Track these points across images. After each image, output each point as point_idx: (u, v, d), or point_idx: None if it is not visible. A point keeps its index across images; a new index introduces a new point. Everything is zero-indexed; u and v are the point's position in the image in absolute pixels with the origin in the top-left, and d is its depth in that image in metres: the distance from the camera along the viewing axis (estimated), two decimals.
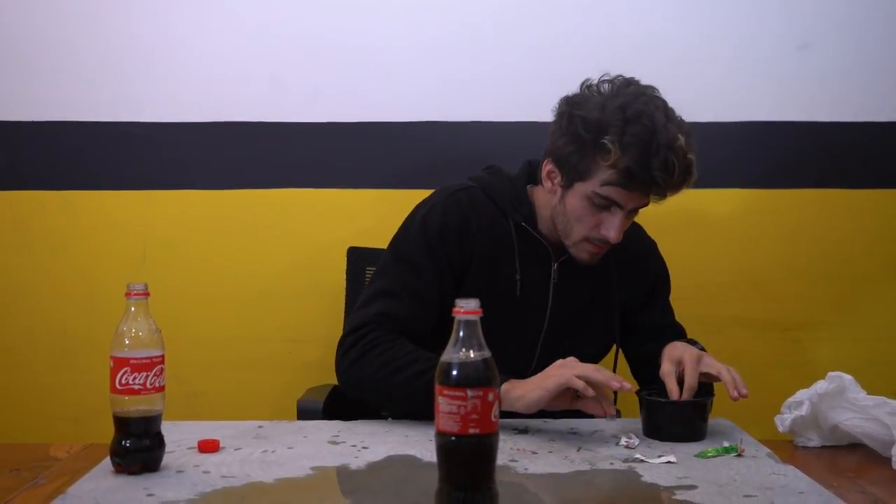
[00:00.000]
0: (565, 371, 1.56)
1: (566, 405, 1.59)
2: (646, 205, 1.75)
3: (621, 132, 1.66)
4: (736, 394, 1.61)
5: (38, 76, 2.37)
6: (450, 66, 2.37)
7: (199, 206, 2.40)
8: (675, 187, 1.70)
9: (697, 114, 2.29)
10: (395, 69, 2.38)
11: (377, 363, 1.68)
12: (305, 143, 2.39)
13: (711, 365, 1.66)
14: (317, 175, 2.39)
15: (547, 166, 1.79)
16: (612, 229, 1.72)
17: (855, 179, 2.42)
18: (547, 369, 1.60)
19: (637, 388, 1.71)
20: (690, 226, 2.38)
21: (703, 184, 2.34)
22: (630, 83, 1.74)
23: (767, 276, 2.42)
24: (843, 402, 1.58)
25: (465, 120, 2.38)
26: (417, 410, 1.62)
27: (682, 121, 1.72)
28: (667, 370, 1.66)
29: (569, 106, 1.75)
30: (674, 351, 1.69)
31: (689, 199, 2.37)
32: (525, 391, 1.58)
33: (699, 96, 2.34)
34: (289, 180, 2.40)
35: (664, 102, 1.72)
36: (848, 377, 1.59)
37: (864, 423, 1.55)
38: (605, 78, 1.75)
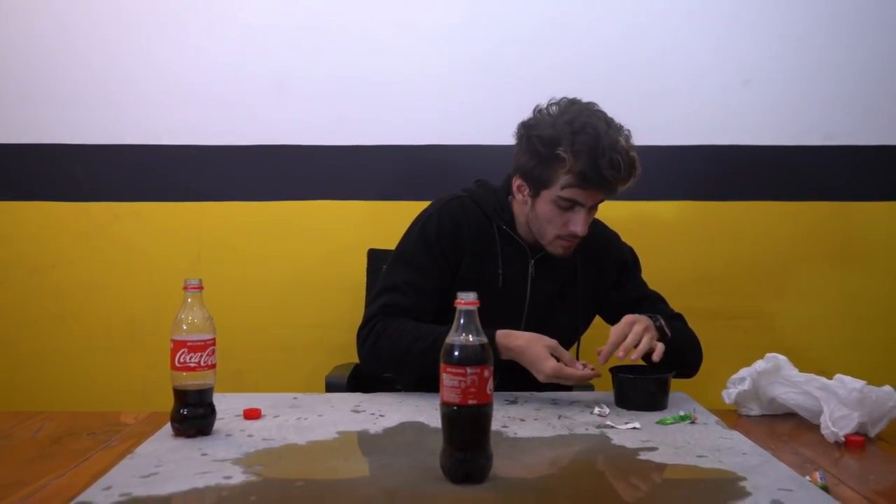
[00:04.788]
0: (545, 372, 1.59)
1: None
2: (603, 200, 1.73)
3: (571, 142, 1.65)
4: (623, 353, 1.58)
5: (112, 107, 2.36)
6: (450, 101, 2.37)
7: (245, 215, 2.40)
8: (625, 181, 1.67)
9: (658, 138, 2.32)
10: (406, 101, 2.38)
11: (388, 346, 1.69)
12: (332, 163, 2.39)
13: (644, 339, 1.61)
14: (341, 189, 2.39)
15: (516, 182, 1.78)
16: (578, 224, 1.71)
17: (788, 193, 2.41)
18: (536, 350, 1.61)
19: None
20: (650, 232, 2.37)
21: (660, 196, 2.37)
22: (574, 102, 1.72)
23: (715, 274, 2.42)
24: (778, 378, 1.58)
25: (462, 143, 2.37)
26: (426, 373, 1.63)
27: (620, 126, 1.69)
28: (616, 328, 1.63)
29: (525, 129, 1.74)
30: (629, 317, 1.65)
31: (649, 209, 2.39)
32: (521, 359, 1.63)
33: (660, 124, 2.34)
34: (319, 193, 2.39)
35: (604, 113, 1.70)
36: (783, 357, 1.59)
37: (797, 396, 1.55)
38: (553, 101, 1.74)
